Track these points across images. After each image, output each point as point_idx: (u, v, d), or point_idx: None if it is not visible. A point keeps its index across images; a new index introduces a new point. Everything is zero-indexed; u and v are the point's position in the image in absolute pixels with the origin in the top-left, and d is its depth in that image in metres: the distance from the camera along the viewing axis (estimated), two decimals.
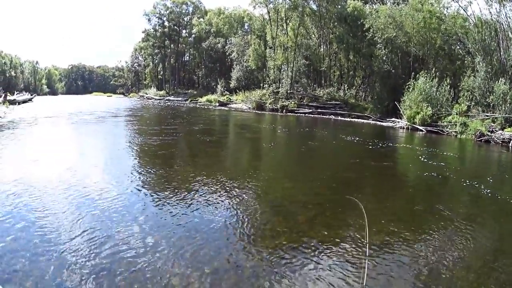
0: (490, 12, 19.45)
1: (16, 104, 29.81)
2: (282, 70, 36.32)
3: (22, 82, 71.99)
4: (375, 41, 26.93)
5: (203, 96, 51.07)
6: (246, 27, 54.22)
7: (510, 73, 17.68)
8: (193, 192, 5.93)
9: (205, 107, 39.11)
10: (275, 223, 4.84)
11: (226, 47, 51.64)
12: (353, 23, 30.20)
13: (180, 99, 54.50)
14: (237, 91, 42.43)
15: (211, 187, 6.29)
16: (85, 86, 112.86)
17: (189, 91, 60.59)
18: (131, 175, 7.03)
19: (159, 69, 72.88)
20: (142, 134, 13.76)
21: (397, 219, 5.14)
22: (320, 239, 4.26)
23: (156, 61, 71.46)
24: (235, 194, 5.96)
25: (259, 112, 32.10)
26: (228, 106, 39.13)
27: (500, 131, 15.20)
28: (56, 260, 3.47)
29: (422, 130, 18.58)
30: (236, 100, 40.23)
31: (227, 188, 6.25)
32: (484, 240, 4.62)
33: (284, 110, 31.05)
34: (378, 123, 23.55)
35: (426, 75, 20.21)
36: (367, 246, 4.03)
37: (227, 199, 5.66)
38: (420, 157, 10.75)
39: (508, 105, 16.22)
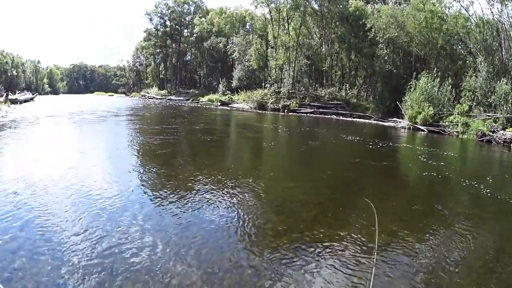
0: (492, 12, 19.45)
1: (17, 104, 29.88)
2: (283, 70, 36.30)
3: (24, 82, 72.04)
4: (377, 41, 26.89)
5: (205, 95, 51.05)
6: (247, 27, 54.23)
7: (511, 73, 17.65)
8: (194, 192, 5.94)
9: (207, 106, 39.13)
10: (276, 222, 4.85)
11: (227, 46, 51.58)
12: (355, 23, 30.17)
13: (181, 98, 54.54)
14: (239, 90, 42.41)
15: (212, 186, 6.30)
16: (86, 86, 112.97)
17: (191, 90, 60.58)
18: (132, 174, 7.06)
19: (160, 69, 72.90)
20: (143, 134, 13.79)
21: (398, 219, 5.14)
22: (321, 239, 4.27)
23: (158, 61, 71.46)
24: (236, 193, 5.97)
25: (260, 111, 32.10)
26: (230, 105, 39.12)
27: (502, 131, 15.18)
28: (57, 259, 3.49)
29: (423, 130, 18.56)
30: (238, 99, 40.22)
31: (228, 188, 6.26)
32: (485, 240, 4.62)
33: (286, 110, 31.03)
34: (380, 123, 23.53)
35: (427, 75, 20.16)
36: (375, 247, 4.02)
37: (228, 198, 5.67)
38: (421, 157, 10.74)
39: (510, 105, 16.20)
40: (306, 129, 19.18)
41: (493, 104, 17.13)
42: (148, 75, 79.93)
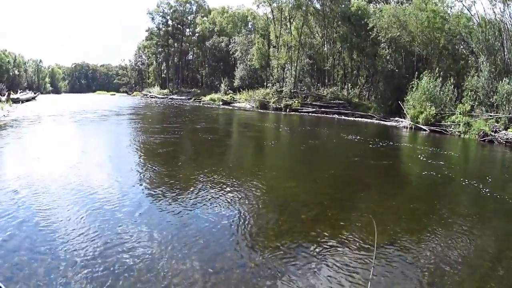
0: (494, 12, 19.40)
1: (19, 103, 29.95)
2: (285, 69, 36.24)
3: (26, 81, 72.38)
4: (379, 41, 26.83)
5: (207, 95, 51.03)
6: (249, 26, 54.10)
7: None
8: (195, 191, 5.96)
9: (209, 106, 39.18)
10: (278, 222, 4.86)
11: (229, 46, 51.52)
12: (357, 23, 30.08)
13: (183, 97, 54.56)
14: (241, 90, 42.36)
15: (214, 185, 6.32)
16: (88, 85, 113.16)
17: (193, 90, 60.58)
18: (133, 173, 7.08)
19: (162, 68, 72.95)
20: (145, 133, 13.82)
21: (398, 219, 5.15)
22: (322, 239, 4.28)
23: (160, 60, 71.48)
24: (238, 193, 5.99)
25: (262, 111, 32.10)
26: (232, 105, 39.13)
27: (504, 131, 15.14)
28: (58, 258, 3.50)
29: (425, 130, 18.52)
30: (240, 99, 40.21)
31: (230, 187, 6.28)
32: (486, 240, 4.62)
33: (288, 109, 31.00)
34: (382, 122, 23.49)
35: (429, 74, 20.12)
36: (375, 247, 4.03)
37: (230, 198, 5.68)
38: (422, 157, 10.72)
39: None
40: (308, 129, 19.18)
41: (495, 104, 17.09)
42: (150, 74, 80.00)
